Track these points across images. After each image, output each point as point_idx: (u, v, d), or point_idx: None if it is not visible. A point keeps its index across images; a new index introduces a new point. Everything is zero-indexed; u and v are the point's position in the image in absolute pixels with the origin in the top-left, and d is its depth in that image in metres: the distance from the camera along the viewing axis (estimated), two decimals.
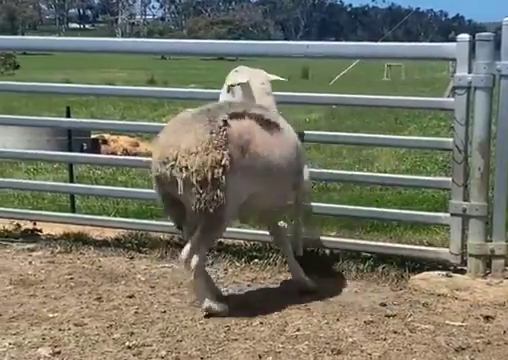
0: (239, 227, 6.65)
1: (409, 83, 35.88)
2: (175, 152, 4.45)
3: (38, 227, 6.58)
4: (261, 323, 4.61)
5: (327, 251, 5.97)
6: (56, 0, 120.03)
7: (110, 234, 6.49)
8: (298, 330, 4.49)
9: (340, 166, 10.56)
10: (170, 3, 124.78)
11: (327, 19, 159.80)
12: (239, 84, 5.33)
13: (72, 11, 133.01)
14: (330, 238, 6.11)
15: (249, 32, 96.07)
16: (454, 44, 5.24)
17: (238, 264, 5.86)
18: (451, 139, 5.39)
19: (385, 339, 4.33)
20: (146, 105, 20.31)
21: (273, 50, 6.11)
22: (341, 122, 16.69)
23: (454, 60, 5.31)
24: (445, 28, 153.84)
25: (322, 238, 6.04)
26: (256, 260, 5.88)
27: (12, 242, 6.45)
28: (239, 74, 5.43)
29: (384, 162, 11.39)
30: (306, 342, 4.29)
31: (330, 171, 6.92)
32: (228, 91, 5.43)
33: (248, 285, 5.41)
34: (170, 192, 4.59)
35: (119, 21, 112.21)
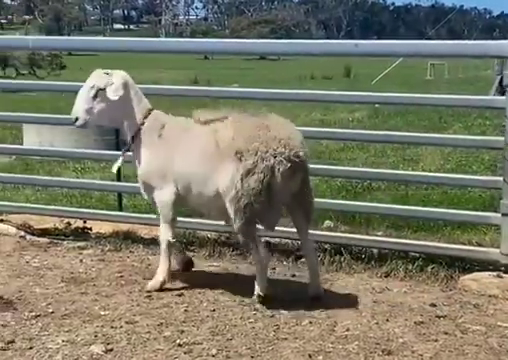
0: (286, 226, 6.67)
1: (453, 82, 35.51)
2: (303, 150, 4.82)
3: (88, 225, 6.64)
4: (310, 323, 4.61)
5: (375, 251, 5.95)
6: (101, 1, 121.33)
7: (158, 232, 6.51)
8: (347, 330, 4.49)
9: (385, 165, 10.50)
10: (213, 3, 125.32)
11: (369, 18, 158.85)
12: (123, 86, 5.11)
13: (116, 12, 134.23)
14: (377, 238, 6.09)
15: (291, 31, 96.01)
16: (506, 42, 5.19)
17: (286, 263, 5.87)
18: (502, 138, 5.33)
19: (436, 340, 4.31)
20: (189, 105, 20.40)
21: (323, 49, 6.06)
22: (385, 121, 16.59)
23: (506, 58, 5.27)
24: (489, 26, 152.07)
25: (369, 238, 6.03)
26: (303, 259, 5.87)
27: (63, 240, 6.54)
28: (114, 77, 5.15)
29: (429, 161, 11.30)
30: (356, 342, 4.28)
31: (375, 170, 6.89)
32: (96, 95, 5.08)
33: (296, 284, 5.41)
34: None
35: (163, 22, 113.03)
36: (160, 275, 5.22)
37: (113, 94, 5.05)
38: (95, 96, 5.07)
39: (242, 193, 4.67)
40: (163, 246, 5.25)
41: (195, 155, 4.96)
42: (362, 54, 6.24)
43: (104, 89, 5.05)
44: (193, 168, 4.96)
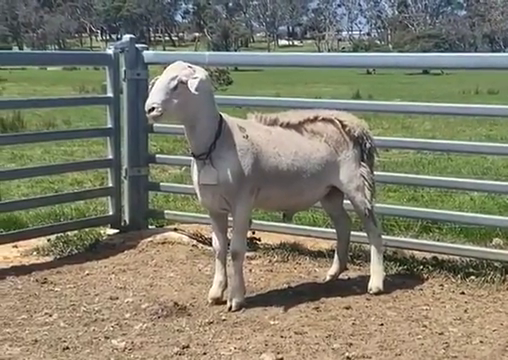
0: (453, 242, 6.57)
1: None
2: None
3: (257, 236, 6.76)
4: (481, 342, 4.52)
5: None
6: (267, 18, 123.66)
7: (324, 245, 6.56)
8: None
9: None
10: (376, 18, 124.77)
11: None
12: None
13: (281, 28, 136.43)
14: None
15: (456, 45, 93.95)
16: None
17: (454, 280, 5.75)
18: None
19: None
20: None
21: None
22: None
23: None
24: None
25: None
26: (472, 277, 5.76)
27: None
28: (198, 71, 4.84)
29: None
30: None
31: None
32: (176, 87, 4.71)
33: (465, 302, 5.30)
34: None
35: (326, 37, 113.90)
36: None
37: (194, 87, 4.70)
38: (175, 88, 4.72)
39: (368, 170, 5.45)
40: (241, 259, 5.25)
41: (305, 150, 5.25)
42: None
43: (185, 82, 4.73)
44: (303, 164, 5.23)
